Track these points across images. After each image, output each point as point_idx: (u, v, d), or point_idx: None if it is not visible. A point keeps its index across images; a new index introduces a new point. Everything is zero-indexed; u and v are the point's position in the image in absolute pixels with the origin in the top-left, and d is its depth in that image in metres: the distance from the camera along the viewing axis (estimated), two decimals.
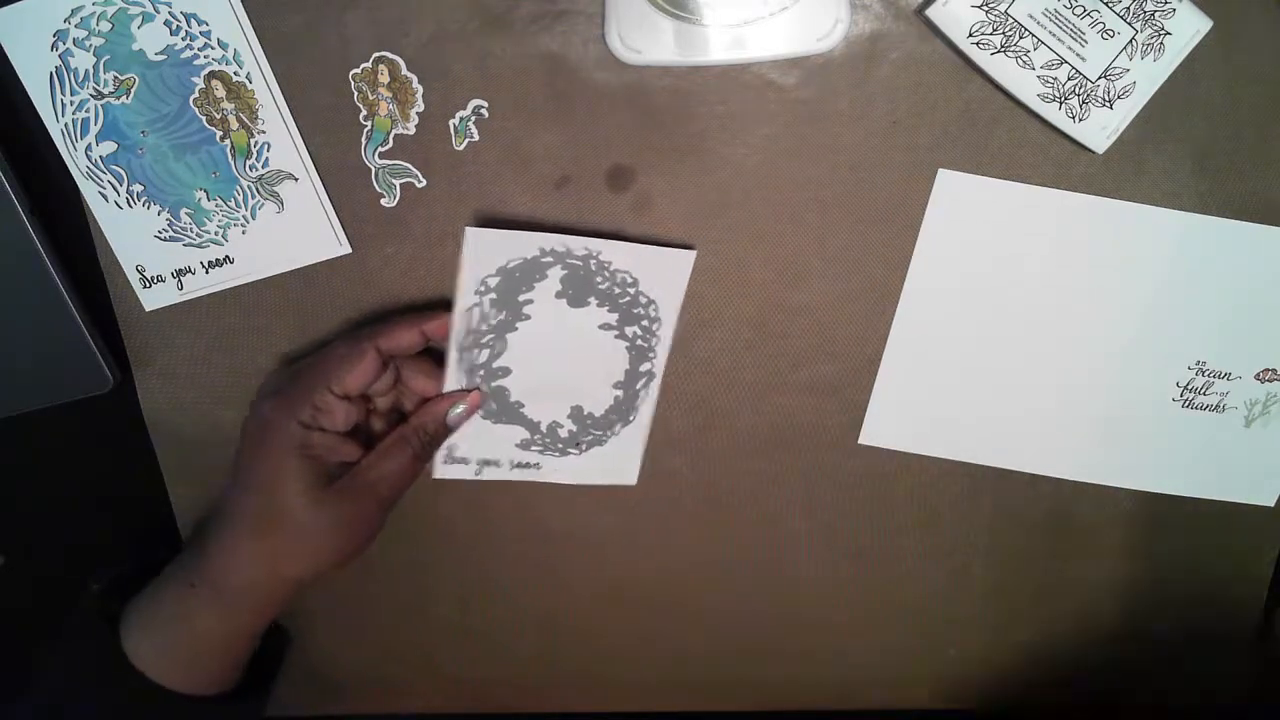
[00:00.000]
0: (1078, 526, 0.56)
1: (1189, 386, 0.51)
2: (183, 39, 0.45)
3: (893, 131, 0.47)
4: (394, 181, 0.48)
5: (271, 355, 0.51)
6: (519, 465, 0.51)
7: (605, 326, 0.48)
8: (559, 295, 0.47)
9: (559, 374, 0.49)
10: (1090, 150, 0.45)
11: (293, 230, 0.48)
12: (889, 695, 0.62)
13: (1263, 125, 0.46)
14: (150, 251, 0.49)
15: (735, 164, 0.47)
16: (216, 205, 0.48)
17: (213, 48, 0.45)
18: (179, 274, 0.49)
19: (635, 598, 0.58)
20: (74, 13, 0.44)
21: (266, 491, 0.45)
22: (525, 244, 0.45)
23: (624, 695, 0.62)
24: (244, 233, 0.48)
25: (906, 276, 0.49)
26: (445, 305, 0.46)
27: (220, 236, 0.48)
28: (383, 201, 0.48)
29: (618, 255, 0.46)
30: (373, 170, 0.47)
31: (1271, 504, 0.55)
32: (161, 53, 0.45)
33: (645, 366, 0.49)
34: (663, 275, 0.47)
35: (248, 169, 0.47)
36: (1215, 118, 0.46)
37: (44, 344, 0.50)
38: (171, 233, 0.48)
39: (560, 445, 0.51)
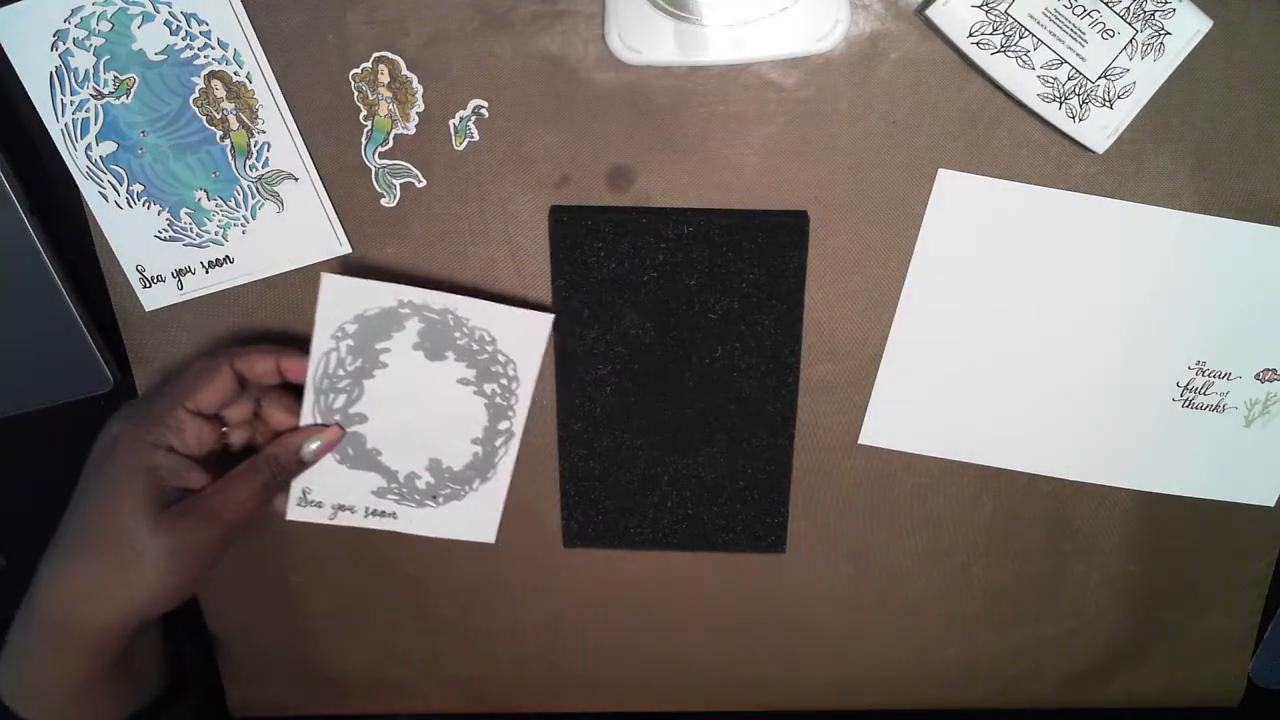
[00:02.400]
0: (1078, 526, 0.56)
1: (1189, 386, 0.51)
2: (183, 39, 0.45)
3: (892, 131, 0.47)
4: (394, 181, 0.48)
5: None
6: (375, 513, 0.51)
7: (463, 381, 0.48)
8: (416, 347, 0.48)
9: (417, 425, 0.49)
10: (1090, 150, 0.45)
11: (293, 230, 0.48)
12: (889, 695, 0.62)
13: (1263, 125, 0.46)
14: (150, 251, 0.49)
15: (735, 164, 0.47)
16: (216, 205, 0.48)
17: (213, 48, 0.45)
18: (179, 274, 0.49)
19: (635, 598, 0.58)
20: (74, 13, 0.44)
21: (104, 511, 0.44)
22: (382, 294, 0.46)
23: (624, 695, 0.62)
24: (244, 233, 0.48)
25: (906, 276, 0.49)
26: (307, 342, 0.47)
27: (220, 236, 0.48)
28: (383, 201, 0.48)
29: (475, 312, 0.47)
30: (373, 170, 0.48)
31: (1271, 504, 0.54)
32: (161, 53, 0.45)
33: (504, 425, 0.50)
34: (519, 336, 0.48)
35: (248, 169, 0.47)
36: (1215, 118, 0.46)
37: (44, 344, 0.50)
38: (171, 233, 0.48)
39: (417, 496, 0.51)
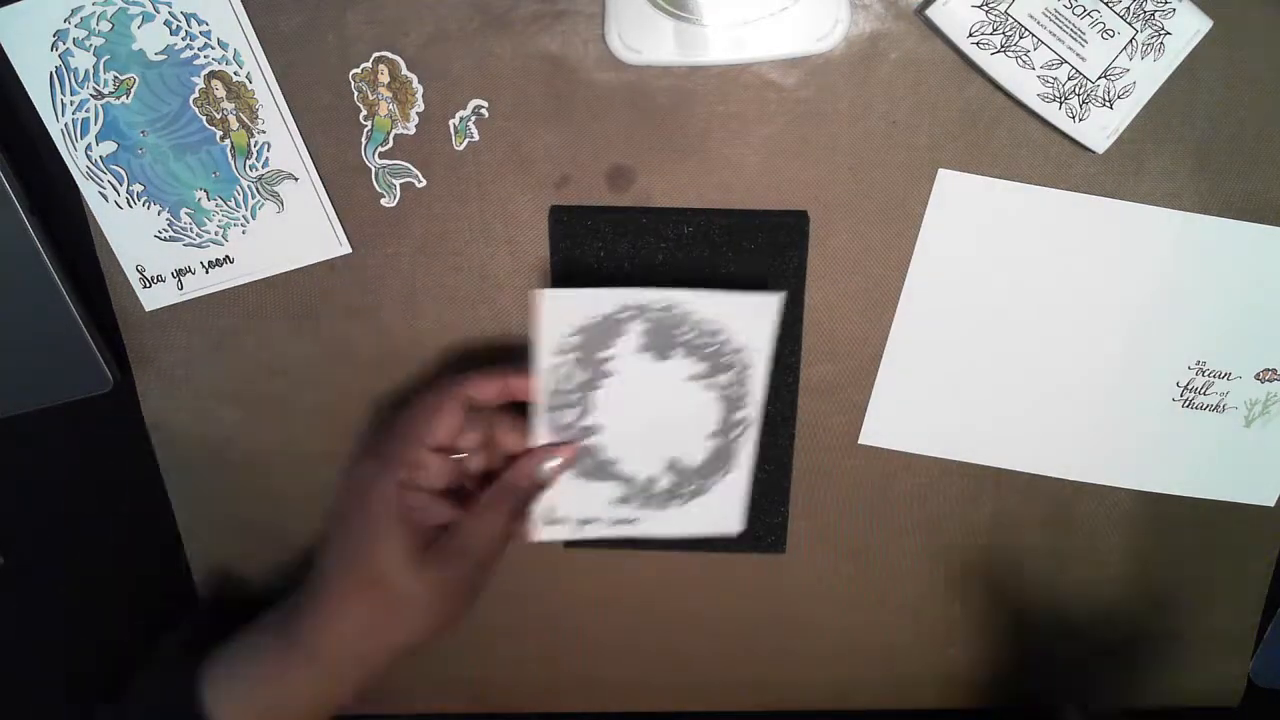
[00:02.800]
0: (1078, 526, 0.56)
1: (1189, 386, 0.51)
2: (183, 39, 0.45)
3: (892, 131, 0.47)
4: (394, 181, 0.48)
5: (272, 355, 0.51)
6: (620, 521, 0.49)
7: (693, 378, 0.46)
8: (641, 350, 0.45)
9: (651, 428, 0.47)
10: (1090, 150, 0.45)
11: (293, 230, 0.48)
12: (889, 695, 0.62)
13: (1263, 125, 0.46)
14: (150, 251, 0.49)
15: (735, 164, 0.47)
16: (216, 205, 0.48)
17: (213, 48, 0.45)
18: (179, 274, 0.49)
19: (635, 598, 0.58)
20: (74, 13, 0.44)
21: (366, 556, 0.44)
22: (604, 301, 0.44)
23: (624, 696, 0.62)
24: (244, 233, 0.48)
25: (906, 276, 0.49)
26: (525, 358, 0.45)
27: (220, 236, 0.48)
28: (383, 201, 0.48)
29: (700, 304, 0.45)
30: (373, 170, 0.48)
31: (1271, 504, 0.54)
32: (161, 53, 0.45)
33: (740, 414, 0.47)
34: (748, 321, 0.45)
35: (248, 169, 0.47)
36: (1215, 118, 0.46)
37: (44, 344, 0.50)
38: (171, 233, 0.48)
39: (659, 499, 0.49)
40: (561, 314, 0.44)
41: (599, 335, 0.45)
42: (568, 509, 0.48)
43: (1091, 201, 0.48)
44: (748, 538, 0.55)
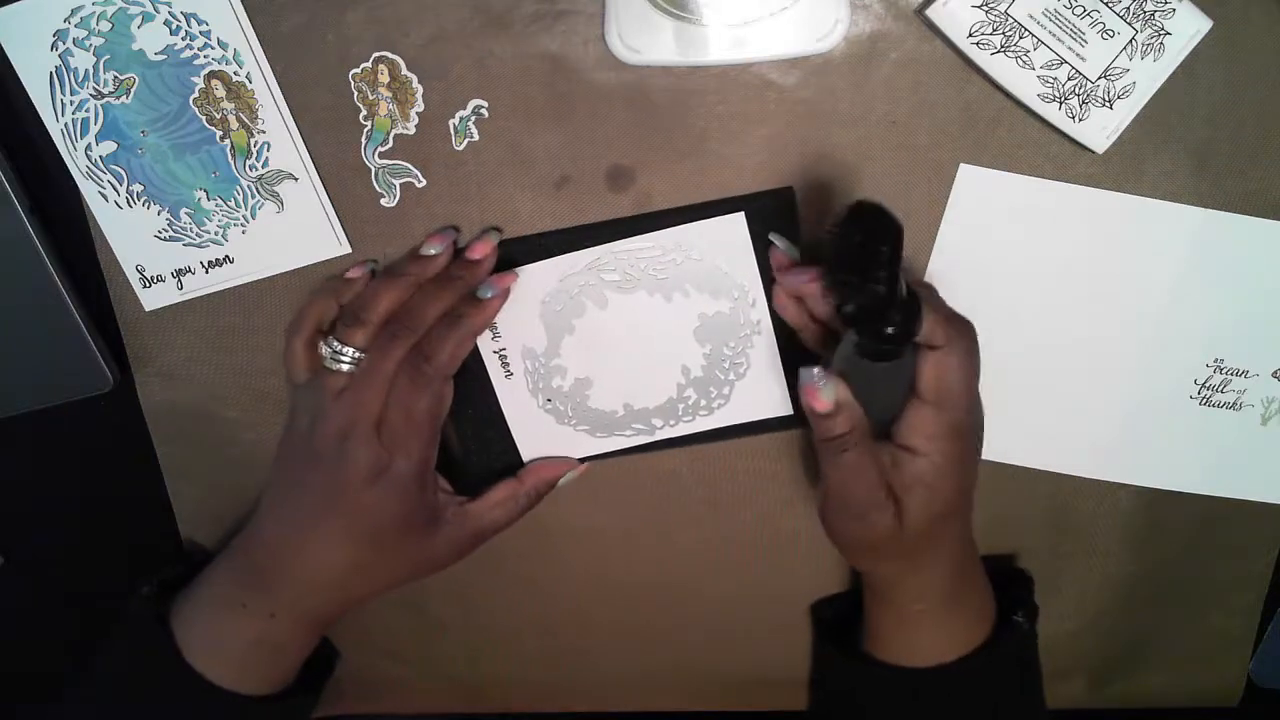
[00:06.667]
0: (1078, 526, 0.56)
1: (1207, 384, 0.51)
2: (183, 39, 0.45)
3: (892, 131, 0.47)
4: (394, 181, 0.48)
5: (272, 355, 0.51)
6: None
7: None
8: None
9: (622, 368, 0.50)
10: (1090, 150, 0.45)
11: (293, 230, 0.48)
12: None
13: (1263, 125, 0.46)
14: (150, 251, 0.49)
15: (735, 164, 0.47)
16: (216, 205, 0.48)
17: (213, 47, 0.45)
18: (179, 274, 0.49)
19: (635, 598, 0.58)
20: (74, 12, 0.44)
21: (370, 510, 0.46)
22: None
23: (624, 695, 0.62)
24: (244, 233, 0.48)
25: (925, 274, 0.49)
26: None
27: (220, 236, 0.48)
28: (383, 201, 0.48)
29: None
30: (373, 170, 0.48)
31: None
32: (161, 52, 0.45)
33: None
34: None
35: (248, 169, 0.47)
36: (1215, 118, 0.46)
37: (44, 344, 0.50)
38: (171, 232, 0.48)
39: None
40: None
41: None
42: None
43: (1111, 198, 0.47)
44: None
